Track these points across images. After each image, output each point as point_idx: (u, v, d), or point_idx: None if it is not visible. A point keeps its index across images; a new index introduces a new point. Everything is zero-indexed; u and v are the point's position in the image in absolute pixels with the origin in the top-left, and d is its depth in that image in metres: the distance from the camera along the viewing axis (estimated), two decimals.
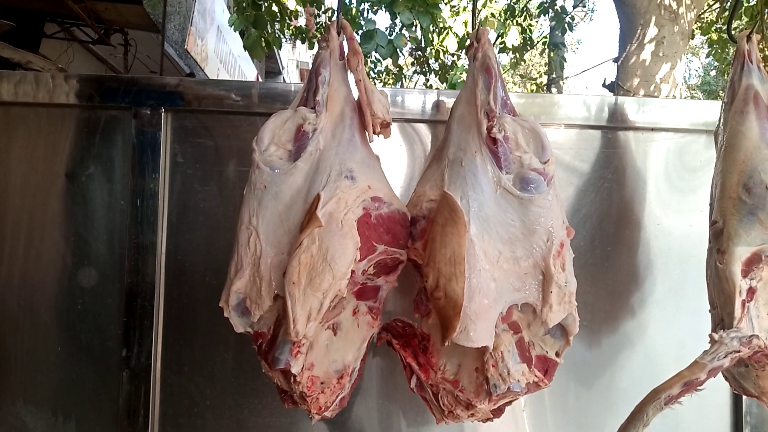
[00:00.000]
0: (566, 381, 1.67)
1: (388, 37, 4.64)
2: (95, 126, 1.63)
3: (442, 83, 8.45)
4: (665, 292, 1.68)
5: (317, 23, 7.44)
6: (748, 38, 1.41)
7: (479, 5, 7.52)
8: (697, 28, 6.79)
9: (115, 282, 1.59)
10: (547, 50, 8.66)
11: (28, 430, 1.57)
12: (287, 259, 1.16)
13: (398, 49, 4.75)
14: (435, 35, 7.11)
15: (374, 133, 1.35)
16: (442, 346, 1.22)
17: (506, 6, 8.03)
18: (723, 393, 1.67)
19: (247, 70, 9.83)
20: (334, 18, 1.43)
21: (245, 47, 5.27)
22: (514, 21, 7.62)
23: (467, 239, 1.17)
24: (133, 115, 1.61)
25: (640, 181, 1.70)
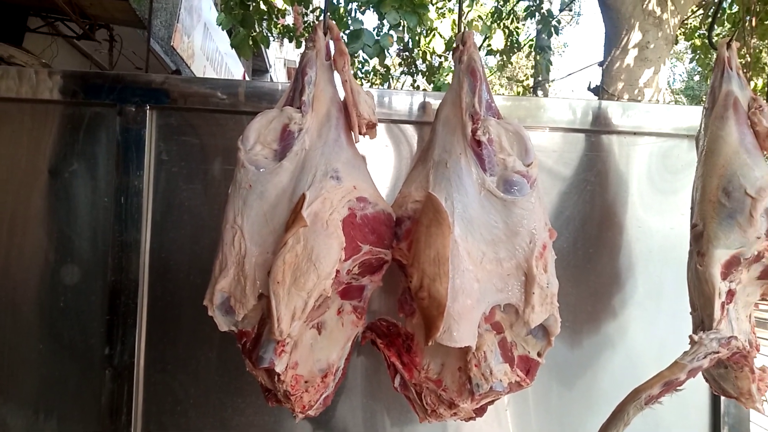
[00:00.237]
0: (549, 381, 1.69)
1: (375, 37, 4.64)
2: (79, 123, 1.62)
3: (429, 84, 8.48)
4: (646, 294, 1.71)
5: (305, 22, 7.43)
6: (728, 45, 1.43)
7: (465, 8, 7.56)
8: (680, 34, 6.88)
9: (99, 280, 1.58)
10: (533, 53, 8.72)
11: (8, 429, 1.56)
12: (272, 258, 1.16)
13: (385, 49, 4.76)
14: (422, 37, 7.13)
15: (360, 133, 1.35)
16: (426, 346, 1.23)
17: (493, 9, 8.07)
18: (702, 394, 1.69)
19: (234, 68, 9.78)
20: (322, 18, 1.43)
21: (233, 46, 5.24)
22: (501, 24, 7.66)
23: (451, 240, 1.18)
24: (117, 112, 1.60)
25: (622, 184, 1.72)
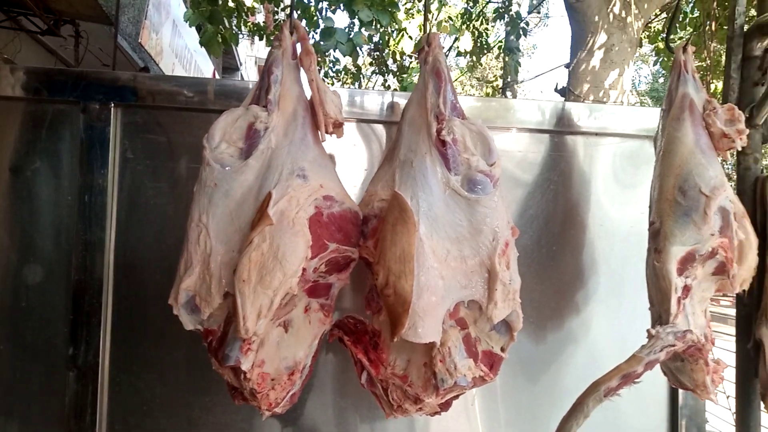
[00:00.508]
0: (515, 375, 1.72)
1: (348, 35, 4.64)
2: (42, 120, 1.59)
3: (400, 84, 8.52)
4: (608, 290, 1.75)
5: (275, 20, 7.38)
6: (684, 49, 1.48)
7: (434, 9, 7.61)
8: (645, 37, 7.04)
9: (62, 279, 1.56)
10: (502, 54, 8.82)
11: None
12: (238, 256, 1.16)
13: (358, 47, 4.76)
14: (391, 37, 7.16)
15: (327, 132, 1.36)
16: (392, 342, 1.25)
17: (463, 10, 8.14)
18: (661, 387, 1.75)
19: (204, 66, 9.66)
20: (294, 16, 1.44)
21: (201, 43, 5.18)
22: (470, 26, 7.73)
23: (417, 238, 1.20)
24: (81, 109, 1.58)
25: (585, 184, 1.77)
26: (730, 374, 1.66)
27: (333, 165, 1.46)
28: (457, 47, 7.75)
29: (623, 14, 4.60)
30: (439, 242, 1.25)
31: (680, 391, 1.74)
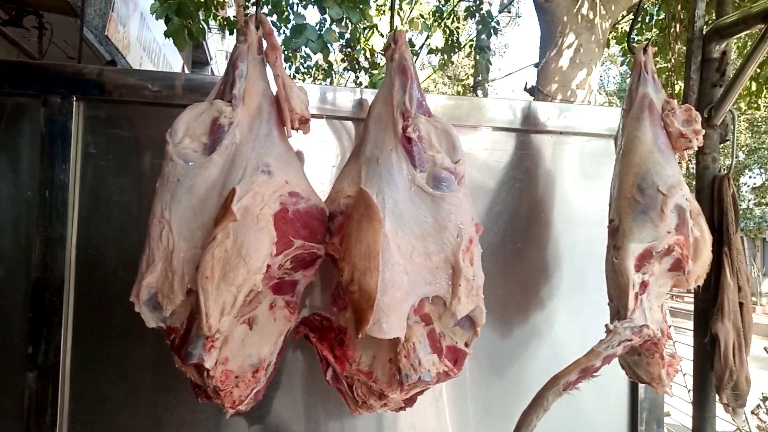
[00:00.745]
0: (482, 370, 1.74)
1: (318, 32, 4.62)
2: (0, 113, 1.55)
3: (371, 80, 8.52)
4: (571, 286, 1.79)
5: (246, 15, 7.30)
6: (645, 50, 1.52)
7: (406, 7, 7.63)
8: (612, 38, 7.17)
9: (21, 276, 1.52)
10: (473, 53, 8.89)
11: None
12: (201, 253, 1.15)
13: (328, 44, 4.75)
14: (361, 34, 7.14)
15: (293, 128, 1.36)
16: (357, 338, 1.25)
17: (434, 8, 8.17)
18: (622, 381, 1.78)
19: (173, 60, 9.48)
20: (263, 11, 1.43)
21: (167, 35, 5.08)
22: (442, 24, 7.78)
23: (382, 235, 1.21)
24: (42, 103, 1.54)
25: (549, 182, 1.80)
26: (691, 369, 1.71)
27: (299, 161, 1.46)
28: (429, 44, 7.78)
29: (591, 15, 4.69)
30: (404, 239, 1.26)
31: (640, 385, 1.79)
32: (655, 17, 6.13)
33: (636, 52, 1.53)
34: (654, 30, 6.19)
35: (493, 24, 7.50)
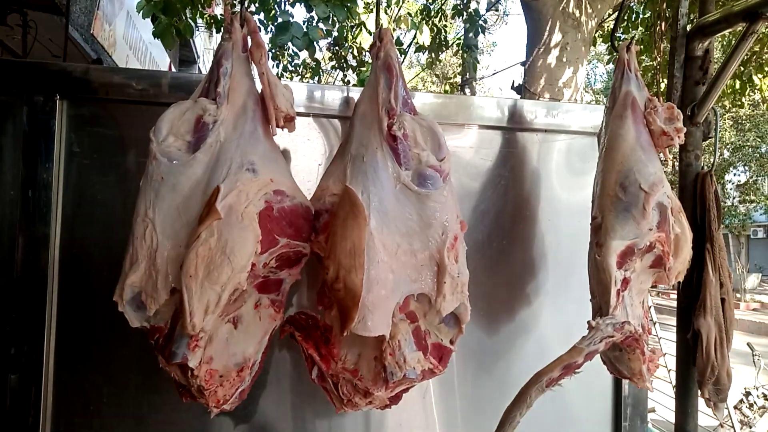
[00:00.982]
0: (469, 367, 1.75)
1: (304, 29, 4.61)
2: None
3: (359, 78, 8.51)
4: (556, 283, 1.80)
5: (234, 13, 7.24)
6: (628, 48, 1.53)
7: (395, 5, 7.63)
8: (598, 36, 7.22)
9: (4, 277, 1.50)
10: (461, 51, 8.91)
11: None
12: (185, 252, 1.15)
13: (314, 41, 4.74)
14: (349, 32, 7.13)
15: (278, 126, 1.36)
16: (342, 336, 1.26)
17: (422, 6, 8.17)
18: (606, 378, 1.79)
19: (160, 58, 9.42)
20: (250, 9, 1.42)
21: (155, 35, 5.05)
22: (429, 22, 7.79)
23: (367, 232, 1.21)
24: (25, 101, 1.53)
25: (535, 179, 1.81)
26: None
27: (285, 159, 1.46)
28: (417, 42, 7.78)
29: (577, 13, 4.72)
30: (389, 236, 1.26)
31: (624, 382, 1.81)
32: (640, 15, 6.18)
33: (619, 49, 1.54)
34: (639, 28, 6.24)
35: (480, 22, 7.53)
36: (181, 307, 1.12)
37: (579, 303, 1.70)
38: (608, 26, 7.34)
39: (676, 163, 1.82)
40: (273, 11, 5.45)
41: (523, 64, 5.03)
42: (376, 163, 1.29)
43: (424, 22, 7.64)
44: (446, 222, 1.28)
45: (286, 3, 5.44)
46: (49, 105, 1.53)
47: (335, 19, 4.74)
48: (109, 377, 1.55)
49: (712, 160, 1.73)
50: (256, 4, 5.69)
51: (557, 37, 4.73)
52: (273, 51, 7.73)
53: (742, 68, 6.43)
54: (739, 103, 7.72)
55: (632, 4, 6.30)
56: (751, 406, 5.39)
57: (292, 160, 1.66)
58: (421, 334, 1.30)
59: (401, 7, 8.09)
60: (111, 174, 1.57)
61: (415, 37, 7.78)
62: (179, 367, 1.19)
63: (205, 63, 13.57)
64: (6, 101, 1.54)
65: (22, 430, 1.47)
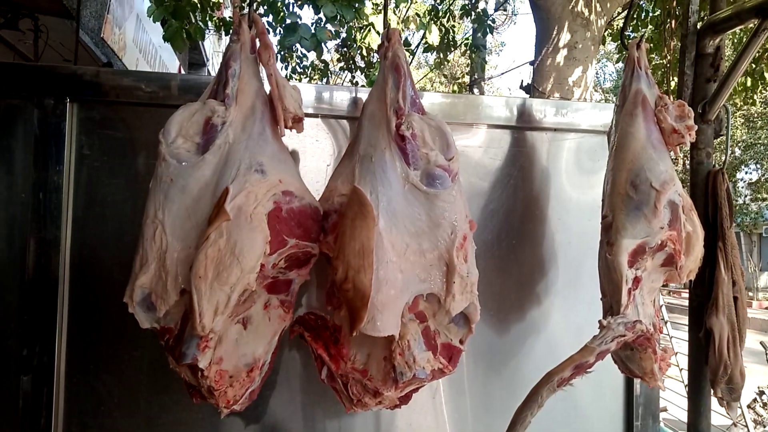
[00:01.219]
0: (479, 367, 1.74)
1: (311, 30, 4.61)
2: None
3: (368, 80, 8.52)
4: (566, 283, 1.79)
5: (242, 14, 7.25)
6: (638, 46, 1.52)
7: (402, 5, 7.62)
8: (608, 35, 7.18)
9: (15, 278, 1.52)
10: (468, 52, 8.89)
11: None
12: (194, 253, 1.15)
13: (322, 42, 4.74)
14: (358, 32, 7.13)
15: (286, 127, 1.36)
16: (351, 336, 1.25)
17: (430, 6, 8.16)
18: (617, 377, 1.78)
19: (169, 62, 9.47)
20: (258, 11, 1.43)
21: (165, 38, 5.08)
22: (438, 22, 7.77)
23: (376, 232, 1.21)
24: (35, 104, 1.54)
25: (544, 179, 1.80)
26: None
27: (293, 160, 1.46)
28: (426, 42, 7.77)
29: (586, 12, 4.69)
30: (398, 236, 1.26)
31: (636, 381, 1.79)
32: (650, 13, 6.14)
33: (629, 47, 1.53)
34: (649, 26, 6.20)
35: (488, 22, 7.51)
36: (190, 308, 1.12)
37: (589, 302, 1.69)
38: (617, 25, 7.30)
39: (687, 162, 1.81)
40: (281, 13, 5.46)
41: (531, 63, 5.01)
42: (385, 163, 1.29)
43: (433, 22, 7.63)
44: (455, 221, 1.28)
45: (294, 5, 5.45)
46: (60, 108, 1.54)
47: (343, 19, 4.74)
48: (120, 378, 1.56)
49: (723, 158, 1.71)
50: (265, 7, 5.71)
51: (566, 36, 4.70)
52: (281, 53, 7.75)
53: (754, 65, 6.37)
54: (751, 100, 7.65)
55: (642, 2, 6.27)
56: (764, 405, 5.34)
57: (300, 160, 1.66)
58: (430, 334, 1.30)
59: (409, 7, 8.08)
60: (121, 176, 1.58)
61: (423, 37, 7.77)
62: (189, 367, 1.19)
63: (214, 66, 13.63)
64: (17, 105, 1.55)
65: (35, 431, 1.48)
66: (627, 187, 1.37)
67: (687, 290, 1.75)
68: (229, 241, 1.14)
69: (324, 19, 4.77)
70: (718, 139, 1.78)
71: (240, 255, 1.13)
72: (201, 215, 1.19)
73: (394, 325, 1.20)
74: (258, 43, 1.37)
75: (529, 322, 1.78)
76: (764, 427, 5.18)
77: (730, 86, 1.64)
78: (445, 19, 7.83)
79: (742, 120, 20.48)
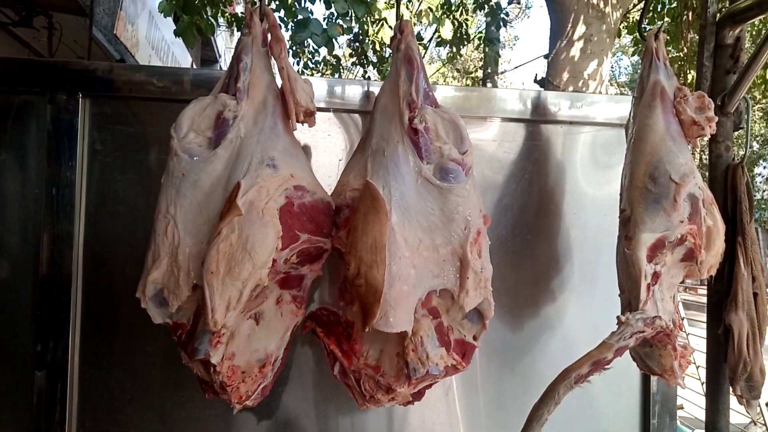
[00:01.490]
0: (492, 363, 1.73)
1: (323, 26, 4.60)
2: (7, 111, 1.55)
3: (379, 75, 8.49)
4: (581, 278, 1.76)
5: (254, 8, 7.25)
6: (656, 36, 1.48)
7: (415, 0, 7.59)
8: (623, 27, 7.09)
9: (29, 274, 1.52)
10: (482, 46, 8.83)
11: None
12: (206, 248, 1.14)
13: (333, 38, 4.72)
14: (370, 27, 7.10)
15: (298, 121, 1.34)
16: (364, 332, 1.24)
17: (443, 0, 8.11)
18: (634, 374, 1.76)
19: (182, 58, 9.50)
20: (270, 6, 1.42)
21: (176, 34, 5.08)
22: (451, 16, 7.72)
23: (388, 227, 1.19)
24: (48, 100, 1.54)
25: (559, 173, 1.77)
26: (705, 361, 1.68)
27: (305, 154, 1.44)
28: (439, 36, 7.73)
29: (601, 5, 4.63)
30: (411, 231, 1.24)
31: (653, 377, 1.76)
32: (666, 5, 6.05)
33: (647, 38, 1.50)
34: (666, 18, 6.11)
35: (502, 16, 7.44)
36: (203, 304, 1.11)
37: (605, 299, 1.66)
38: (633, 17, 7.21)
39: (704, 156, 1.77)
40: (293, 8, 5.45)
41: (546, 56, 4.95)
42: (398, 157, 1.28)
43: (446, 16, 7.58)
44: (469, 216, 1.26)
45: (306, 0, 5.43)
46: (72, 103, 1.54)
47: (354, 14, 4.71)
48: (133, 373, 1.56)
49: (742, 151, 1.67)
50: (276, 2, 5.70)
51: (581, 28, 4.64)
52: (293, 48, 7.74)
53: None
54: None
55: None
56: None
57: (312, 155, 1.65)
58: (443, 330, 1.28)
59: (422, 1, 8.03)
60: (133, 171, 1.58)
61: (436, 31, 7.73)
62: (202, 363, 1.19)
63: (226, 62, 13.66)
64: (29, 100, 1.56)
65: (50, 426, 1.49)
66: (646, 180, 1.34)
67: (703, 287, 1.72)
68: (241, 236, 1.13)
69: (335, 14, 4.75)
70: (737, 133, 1.74)
71: (252, 250, 1.13)
72: (213, 210, 1.18)
73: (407, 321, 1.18)
74: (269, 37, 1.35)
75: (544, 319, 1.75)
76: None
77: (750, 77, 1.60)
78: (458, 13, 7.78)
79: (761, 114, 20.18)
